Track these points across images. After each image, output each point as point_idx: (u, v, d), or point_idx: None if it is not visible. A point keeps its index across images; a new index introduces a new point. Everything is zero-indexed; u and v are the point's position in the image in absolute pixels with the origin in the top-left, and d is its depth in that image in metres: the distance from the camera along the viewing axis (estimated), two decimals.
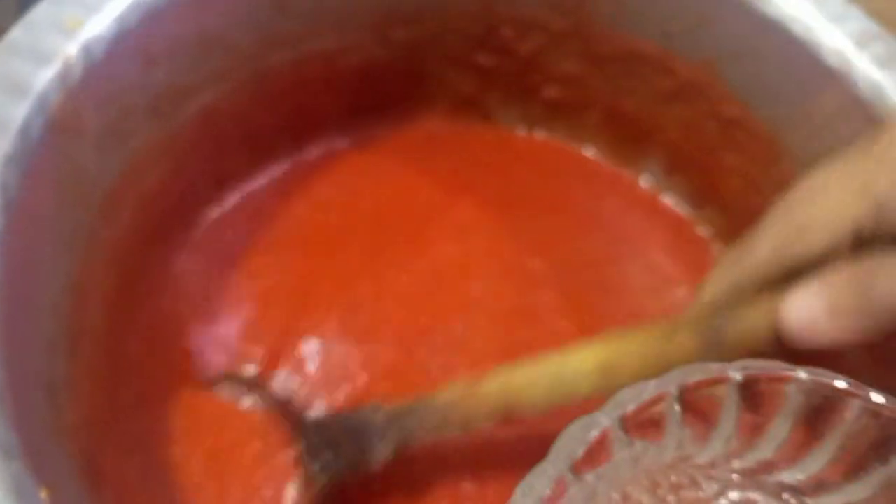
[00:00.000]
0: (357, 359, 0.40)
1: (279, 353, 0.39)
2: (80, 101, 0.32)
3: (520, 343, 0.40)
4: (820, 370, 0.30)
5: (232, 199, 0.44)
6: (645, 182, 0.48)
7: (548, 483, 0.28)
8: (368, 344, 0.40)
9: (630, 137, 0.47)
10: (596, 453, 0.29)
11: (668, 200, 0.48)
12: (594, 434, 0.28)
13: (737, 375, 0.30)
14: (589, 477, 0.29)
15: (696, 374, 0.30)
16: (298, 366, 0.39)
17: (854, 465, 0.31)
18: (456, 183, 0.46)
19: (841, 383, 0.30)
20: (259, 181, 0.45)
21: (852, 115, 0.34)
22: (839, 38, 0.35)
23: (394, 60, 0.45)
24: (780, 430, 0.32)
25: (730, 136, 0.42)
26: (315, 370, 0.39)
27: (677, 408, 0.30)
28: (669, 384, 0.29)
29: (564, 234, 0.45)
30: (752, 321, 0.29)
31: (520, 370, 0.33)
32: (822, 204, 0.29)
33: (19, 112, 0.30)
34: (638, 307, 0.44)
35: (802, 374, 0.30)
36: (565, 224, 0.46)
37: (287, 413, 0.35)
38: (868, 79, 0.34)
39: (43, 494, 0.25)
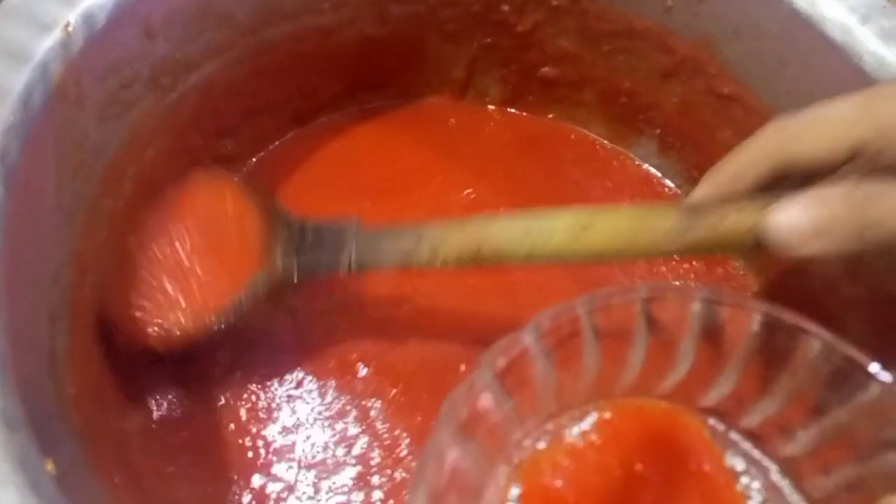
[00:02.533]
0: None
1: None
2: (80, 71, 0.31)
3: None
4: (776, 307, 0.32)
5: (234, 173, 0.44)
6: (640, 159, 0.48)
7: (468, 390, 0.30)
8: None
9: (626, 115, 0.47)
10: (517, 367, 0.31)
11: (663, 178, 0.48)
12: (517, 348, 0.31)
13: (697, 305, 0.33)
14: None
15: (610, 294, 0.32)
16: None
17: (812, 408, 0.33)
18: (450, 158, 0.47)
19: (796, 319, 0.32)
20: (258, 155, 0.45)
21: (856, 90, 0.34)
22: (843, 12, 0.35)
23: (391, 36, 0.44)
24: (736, 365, 0.34)
25: (727, 112, 0.42)
26: None
27: (591, 326, 0.32)
28: (585, 303, 0.32)
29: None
30: (731, 221, 0.29)
31: (499, 217, 0.33)
32: (824, 117, 0.28)
33: (20, 79, 0.29)
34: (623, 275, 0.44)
35: (700, 292, 0.33)
36: (558, 200, 0.46)
37: (271, 210, 0.37)
38: (873, 53, 0.34)
39: (49, 466, 0.25)
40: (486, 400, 0.31)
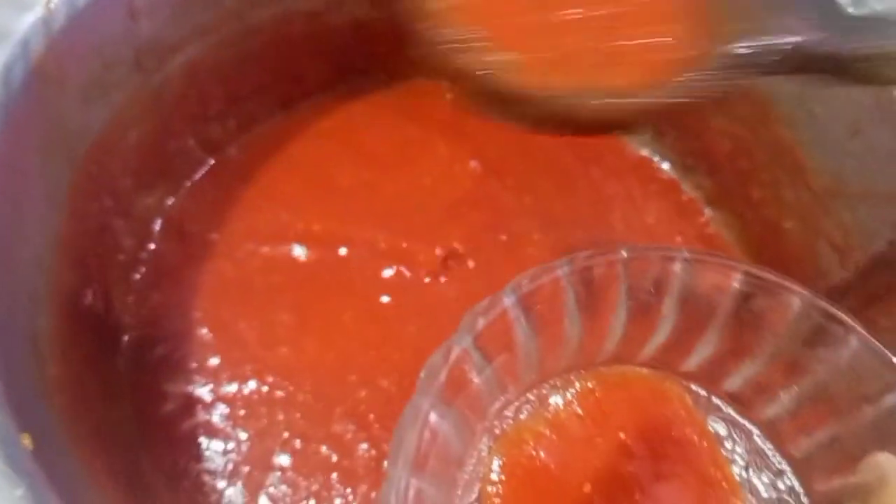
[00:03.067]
0: None
1: None
2: (62, 50, 0.31)
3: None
4: (756, 266, 0.32)
5: (216, 158, 0.44)
6: (634, 145, 0.48)
7: (446, 355, 0.29)
8: None
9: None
10: (497, 331, 0.30)
11: (657, 163, 0.48)
12: (496, 311, 0.30)
13: (678, 266, 0.32)
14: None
15: (591, 255, 0.31)
16: None
17: (791, 369, 0.33)
18: (451, 131, 0.46)
19: (777, 276, 0.32)
20: (244, 138, 0.44)
21: None
22: None
23: (379, 19, 0.44)
24: (717, 326, 0.33)
25: (722, 99, 0.42)
26: None
27: (572, 287, 0.31)
28: (565, 264, 0.31)
29: (551, 193, 0.45)
30: None
31: None
32: None
33: (0, 57, 0.29)
34: None
35: (681, 253, 0.32)
36: (553, 184, 0.46)
37: None
38: None
39: (26, 440, 0.25)
40: (465, 364, 0.30)
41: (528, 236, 0.43)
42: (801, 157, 0.39)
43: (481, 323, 0.30)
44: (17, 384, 0.27)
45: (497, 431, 0.33)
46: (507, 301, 0.30)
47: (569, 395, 0.34)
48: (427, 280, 0.41)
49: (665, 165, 0.48)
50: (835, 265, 0.38)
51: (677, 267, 0.32)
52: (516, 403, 0.34)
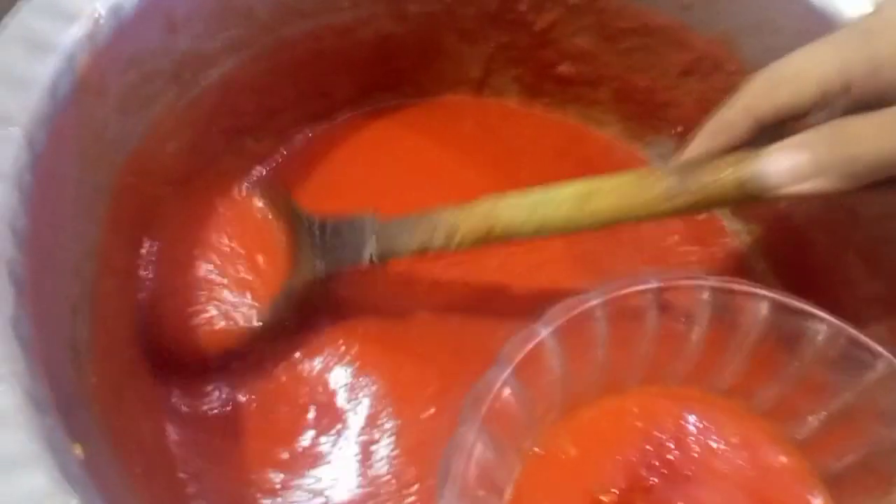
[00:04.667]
0: None
1: None
2: (105, 62, 0.32)
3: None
4: (783, 293, 0.33)
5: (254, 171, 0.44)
6: (657, 158, 0.48)
7: (488, 386, 0.31)
8: None
9: (642, 114, 0.47)
10: (532, 360, 0.32)
11: None
12: (532, 342, 0.32)
13: (707, 294, 0.34)
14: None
15: (622, 285, 0.33)
16: None
17: (820, 392, 0.33)
18: (470, 156, 0.47)
19: (803, 304, 0.33)
20: (277, 153, 0.45)
21: None
22: (860, 8, 0.35)
23: (408, 34, 0.45)
24: (745, 352, 0.35)
25: None
26: None
27: (604, 317, 0.33)
28: (597, 295, 0.33)
29: None
30: (725, 174, 0.30)
31: (507, 196, 0.35)
32: (812, 57, 0.29)
33: (47, 70, 0.29)
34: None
35: (709, 281, 0.34)
36: None
37: (292, 213, 0.38)
38: None
39: (77, 450, 0.25)
40: (506, 394, 0.31)
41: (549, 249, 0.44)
42: None
43: (519, 354, 0.31)
44: (63, 392, 0.27)
45: (531, 454, 0.34)
46: (543, 332, 0.32)
47: (599, 417, 0.34)
48: None
49: None
50: (863, 276, 0.38)
51: (706, 295, 0.33)
52: (549, 427, 0.34)
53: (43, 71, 0.29)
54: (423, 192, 0.45)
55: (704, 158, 0.31)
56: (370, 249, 0.36)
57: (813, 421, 0.33)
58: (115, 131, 0.34)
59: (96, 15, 0.31)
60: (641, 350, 0.34)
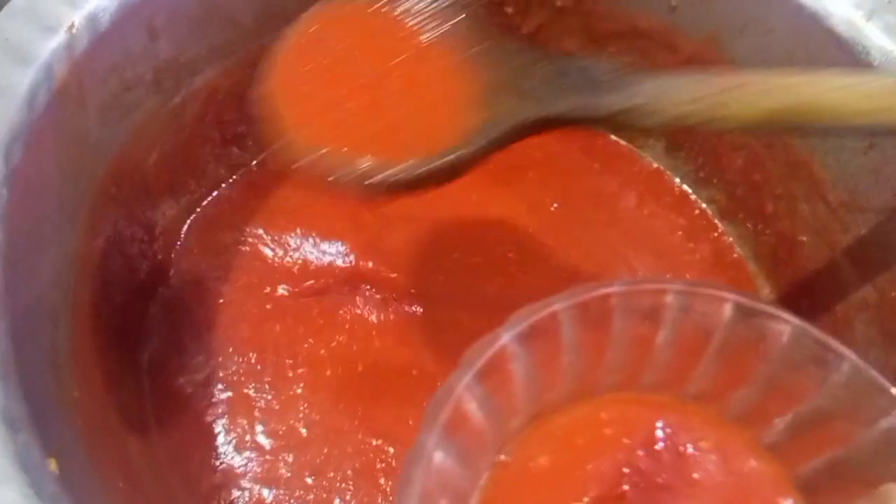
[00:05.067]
0: None
1: None
2: (83, 72, 0.31)
3: None
4: (747, 294, 0.33)
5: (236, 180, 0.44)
6: (647, 158, 0.48)
7: (448, 392, 0.30)
8: None
9: None
10: (496, 366, 0.31)
11: (670, 177, 0.48)
12: (494, 347, 0.31)
13: (671, 297, 0.33)
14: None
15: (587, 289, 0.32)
16: None
17: (788, 395, 0.32)
18: None
19: (764, 305, 0.32)
20: (260, 162, 0.44)
21: None
22: (849, 8, 0.35)
23: None
24: (712, 356, 0.34)
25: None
26: None
27: (569, 322, 0.32)
28: (562, 299, 0.32)
29: (566, 207, 0.45)
30: None
31: (822, 74, 0.28)
32: None
33: (24, 80, 0.29)
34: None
35: (674, 285, 0.33)
36: (567, 199, 0.46)
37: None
38: (880, 48, 0.34)
39: (52, 466, 0.25)
40: (468, 400, 0.30)
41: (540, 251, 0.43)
42: (815, 170, 0.39)
43: (481, 360, 0.30)
44: (40, 407, 0.26)
45: (498, 463, 0.33)
46: (506, 337, 0.31)
47: (569, 424, 0.34)
48: None
49: (678, 179, 0.47)
50: (854, 278, 0.38)
51: (670, 298, 0.33)
52: (517, 436, 0.34)
53: (20, 81, 0.29)
54: (415, 198, 0.44)
55: None
56: (614, 101, 0.28)
57: (780, 424, 0.33)
58: (96, 140, 0.33)
59: (74, 25, 0.31)
60: (610, 355, 0.34)
